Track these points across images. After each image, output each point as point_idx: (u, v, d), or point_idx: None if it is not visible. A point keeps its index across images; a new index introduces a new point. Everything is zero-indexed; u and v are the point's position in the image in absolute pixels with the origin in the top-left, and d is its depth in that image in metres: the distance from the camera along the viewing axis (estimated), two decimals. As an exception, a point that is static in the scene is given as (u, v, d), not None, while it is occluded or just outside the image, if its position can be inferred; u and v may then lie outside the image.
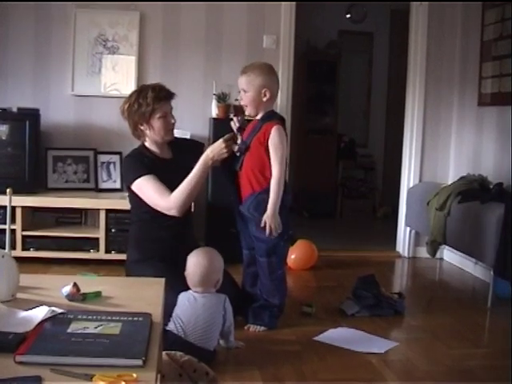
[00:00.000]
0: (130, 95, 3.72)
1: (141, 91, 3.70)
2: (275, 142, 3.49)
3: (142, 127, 3.68)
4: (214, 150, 3.58)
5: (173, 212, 3.56)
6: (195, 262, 3.23)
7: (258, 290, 3.71)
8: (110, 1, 5.38)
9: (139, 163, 3.65)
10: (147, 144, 3.75)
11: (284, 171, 3.53)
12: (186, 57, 5.52)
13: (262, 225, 3.47)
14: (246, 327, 3.62)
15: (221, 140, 3.59)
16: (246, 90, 3.56)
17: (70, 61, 5.38)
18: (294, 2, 5.55)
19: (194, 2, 5.45)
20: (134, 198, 3.69)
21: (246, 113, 3.66)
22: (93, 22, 5.38)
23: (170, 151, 3.81)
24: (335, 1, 8.03)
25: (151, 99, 3.61)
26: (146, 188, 3.57)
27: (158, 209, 3.58)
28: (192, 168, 3.61)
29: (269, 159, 3.51)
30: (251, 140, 3.55)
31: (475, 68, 5.41)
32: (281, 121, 3.62)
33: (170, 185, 3.57)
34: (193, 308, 3.13)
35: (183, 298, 3.19)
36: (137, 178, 3.58)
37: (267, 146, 3.50)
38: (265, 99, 3.54)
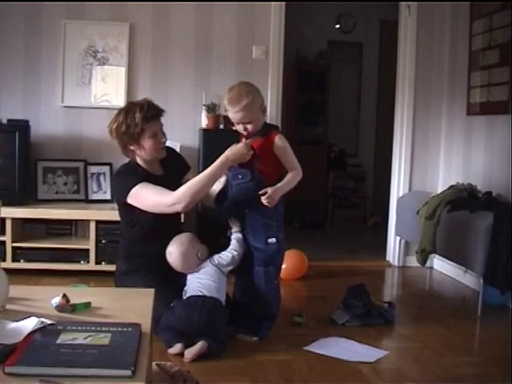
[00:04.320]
0: (118, 114, 3.61)
1: (128, 111, 3.57)
2: (281, 149, 3.54)
3: (131, 147, 3.61)
4: (236, 154, 3.43)
5: (177, 207, 3.43)
6: (167, 254, 3.57)
7: (247, 299, 3.69)
8: (100, 0, 5.38)
9: (132, 175, 3.59)
10: (138, 161, 3.69)
11: (300, 170, 3.63)
12: (175, 67, 5.52)
13: (268, 194, 3.45)
14: (237, 337, 3.61)
15: (244, 144, 3.46)
16: (249, 121, 3.48)
17: (60, 72, 5.38)
18: (283, 13, 5.55)
19: (183, 14, 5.46)
20: (126, 215, 3.64)
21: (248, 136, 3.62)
22: (82, 34, 5.38)
23: (161, 167, 3.76)
24: (326, 0, 8.06)
25: (140, 120, 3.51)
26: (144, 193, 3.49)
27: (160, 208, 3.47)
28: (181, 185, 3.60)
29: (274, 164, 3.56)
30: (260, 151, 3.53)
31: (464, 78, 5.45)
32: (277, 129, 3.68)
33: None
34: (203, 275, 3.53)
35: (192, 278, 3.55)
36: (131, 188, 3.50)
37: (273, 153, 3.53)
38: (263, 114, 3.57)
